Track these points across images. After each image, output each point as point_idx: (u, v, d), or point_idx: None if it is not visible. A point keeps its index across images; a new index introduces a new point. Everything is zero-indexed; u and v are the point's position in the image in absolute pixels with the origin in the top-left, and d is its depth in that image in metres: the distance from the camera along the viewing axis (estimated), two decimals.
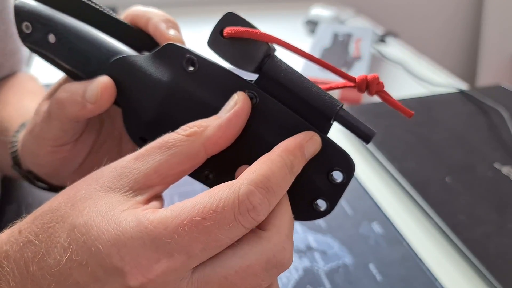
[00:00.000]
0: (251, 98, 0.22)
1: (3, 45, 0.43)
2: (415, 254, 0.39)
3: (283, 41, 0.23)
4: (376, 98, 0.72)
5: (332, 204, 0.23)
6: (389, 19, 1.25)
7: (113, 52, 0.25)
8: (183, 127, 0.22)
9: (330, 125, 0.23)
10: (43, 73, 0.73)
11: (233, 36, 0.22)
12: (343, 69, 0.67)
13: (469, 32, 1.38)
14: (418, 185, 0.46)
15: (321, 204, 0.24)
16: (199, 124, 0.22)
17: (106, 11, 0.27)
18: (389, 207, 0.45)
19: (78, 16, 0.27)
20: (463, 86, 0.70)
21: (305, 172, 0.22)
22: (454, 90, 0.67)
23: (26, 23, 0.26)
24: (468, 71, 1.43)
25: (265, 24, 0.97)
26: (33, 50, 0.28)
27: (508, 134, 0.55)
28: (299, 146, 0.21)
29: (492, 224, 0.42)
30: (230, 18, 0.23)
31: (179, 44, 0.24)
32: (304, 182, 0.23)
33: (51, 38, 0.26)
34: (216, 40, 0.22)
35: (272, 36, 0.22)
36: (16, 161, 0.33)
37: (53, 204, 0.21)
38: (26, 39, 0.27)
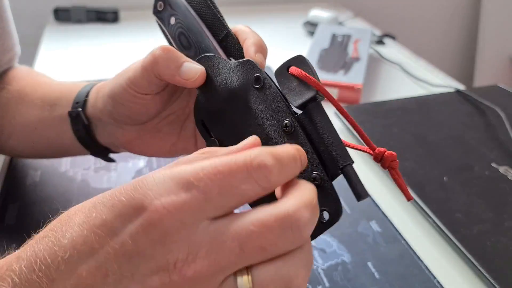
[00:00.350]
0: (288, 126, 0.27)
1: (1, 42, 0.44)
2: (413, 252, 0.40)
3: (329, 94, 0.27)
4: (374, 98, 0.72)
5: (312, 237, 0.25)
6: (387, 22, 1.25)
7: (208, 48, 0.33)
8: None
9: (338, 174, 0.26)
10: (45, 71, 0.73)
11: (294, 75, 0.27)
12: (342, 71, 0.68)
13: (466, 33, 1.39)
14: (416, 184, 0.47)
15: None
16: None
17: (220, 16, 0.34)
18: (387, 206, 0.46)
19: (199, 10, 0.34)
20: (461, 86, 0.71)
21: None
22: (451, 90, 0.67)
23: (160, 2, 0.35)
24: (465, 72, 1.43)
25: (265, 26, 0.98)
26: (157, 21, 0.36)
27: (506, 134, 0.56)
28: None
29: (489, 222, 0.42)
30: (299, 60, 0.27)
31: (255, 63, 0.29)
32: None
33: (172, 20, 0.34)
34: (282, 72, 0.28)
35: (322, 87, 0.26)
36: (77, 120, 0.38)
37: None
38: (156, 14, 0.36)
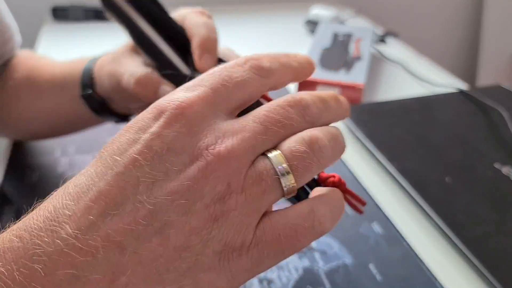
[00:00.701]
0: None
1: (1, 34, 0.45)
2: (415, 254, 0.39)
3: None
4: (376, 98, 0.71)
5: None
6: (389, 19, 1.25)
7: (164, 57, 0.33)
8: None
9: None
10: None
11: None
12: (343, 70, 0.67)
13: (469, 32, 1.38)
14: (418, 185, 0.46)
15: None
16: None
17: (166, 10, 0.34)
18: (389, 207, 0.45)
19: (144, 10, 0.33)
20: (463, 86, 0.70)
21: None
22: (454, 90, 0.67)
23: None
24: (468, 71, 1.43)
25: (266, 25, 0.97)
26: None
27: (508, 134, 0.55)
28: None
29: (492, 223, 0.41)
30: None
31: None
32: None
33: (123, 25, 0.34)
34: None
35: None
36: (90, 100, 0.40)
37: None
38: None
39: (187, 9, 0.36)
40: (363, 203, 0.26)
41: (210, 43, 0.33)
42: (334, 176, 0.24)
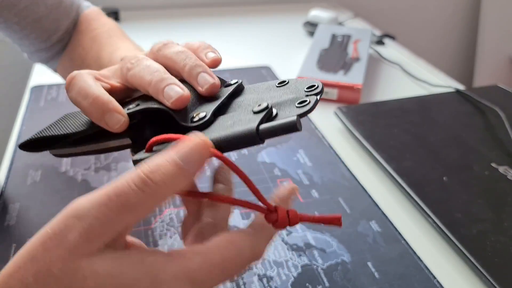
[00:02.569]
0: None
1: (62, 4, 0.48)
2: (413, 252, 0.40)
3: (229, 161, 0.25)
4: (374, 98, 0.72)
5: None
6: (387, 22, 1.25)
7: None
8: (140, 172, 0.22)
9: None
10: (45, 71, 0.73)
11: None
12: (342, 71, 0.68)
13: (466, 34, 1.39)
14: (416, 184, 0.47)
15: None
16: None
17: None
18: (387, 206, 0.46)
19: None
20: (461, 87, 0.71)
21: None
22: (451, 90, 0.67)
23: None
24: (465, 73, 1.43)
25: (265, 26, 0.98)
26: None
27: (505, 134, 0.56)
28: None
29: (488, 222, 0.42)
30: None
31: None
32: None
33: None
34: None
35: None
36: None
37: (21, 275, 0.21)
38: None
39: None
40: (337, 222, 0.27)
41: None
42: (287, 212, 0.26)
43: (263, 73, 0.72)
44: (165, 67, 0.31)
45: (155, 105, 0.28)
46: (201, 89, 0.30)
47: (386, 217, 0.44)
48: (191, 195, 0.26)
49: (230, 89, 0.31)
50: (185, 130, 0.27)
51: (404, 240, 0.41)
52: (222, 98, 0.29)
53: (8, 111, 0.98)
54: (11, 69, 1.01)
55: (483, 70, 1.35)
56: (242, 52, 0.83)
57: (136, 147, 0.29)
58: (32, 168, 0.49)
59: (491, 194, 0.46)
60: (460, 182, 0.47)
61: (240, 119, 0.26)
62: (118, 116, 0.28)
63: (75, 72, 0.30)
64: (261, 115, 0.25)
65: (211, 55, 0.32)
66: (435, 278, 0.37)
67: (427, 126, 0.58)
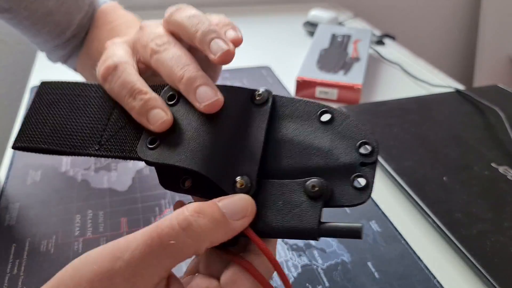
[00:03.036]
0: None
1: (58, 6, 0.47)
2: (413, 252, 0.40)
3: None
4: (374, 98, 0.72)
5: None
6: (387, 22, 1.25)
7: None
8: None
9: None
10: (46, 71, 0.73)
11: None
12: (342, 71, 0.68)
13: (466, 34, 1.39)
14: (416, 184, 0.47)
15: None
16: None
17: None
18: (387, 206, 0.46)
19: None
20: (461, 87, 0.71)
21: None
22: (451, 90, 0.67)
23: None
24: (465, 73, 1.43)
25: (265, 26, 0.98)
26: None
27: (505, 133, 0.56)
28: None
29: (488, 222, 0.42)
30: None
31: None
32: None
33: None
34: None
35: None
36: None
37: None
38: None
39: None
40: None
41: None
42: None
43: (263, 73, 0.72)
44: (176, 34, 0.29)
45: (192, 167, 0.24)
46: (213, 56, 0.27)
47: (386, 217, 0.44)
48: (228, 252, 0.24)
49: (265, 116, 0.26)
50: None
51: (404, 240, 0.41)
52: (260, 152, 0.25)
53: (8, 111, 0.98)
54: (11, 69, 1.00)
55: (483, 70, 1.35)
56: (242, 52, 0.83)
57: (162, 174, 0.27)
58: (32, 168, 0.49)
59: (491, 194, 0.46)
60: (460, 182, 0.47)
61: (291, 202, 0.23)
62: (161, 113, 0.26)
63: (117, 61, 0.28)
64: (318, 206, 0.23)
65: (231, 34, 0.29)
66: (435, 278, 0.37)
67: (427, 126, 0.58)
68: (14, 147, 0.29)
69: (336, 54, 0.73)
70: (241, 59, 0.79)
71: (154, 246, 0.20)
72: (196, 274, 0.25)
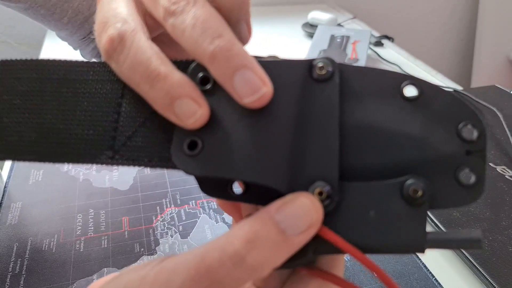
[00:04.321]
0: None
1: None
2: None
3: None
4: None
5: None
6: (385, 23, 1.26)
7: None
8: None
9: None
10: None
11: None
12: None
13: (464, 35, 1.40)
14: None
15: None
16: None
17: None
18: None
19: None
20: (459, 87, 0.71)
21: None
22: (450, 91, 0.68)
23: None
24: (463, 74, 1.44)
25: (264, 28, 0.98)
26: None
27: (503, 133, 0.56)
28: None
29: (486, 221, 0.42)
30: None
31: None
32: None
33: None
34: None
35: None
36: None
37: None
38: None
39: None
40: None
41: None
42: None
43: None
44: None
45: (255, 179, 0.18)
46: (241, 100, 0.18)
47: None
48: (316, 273, 0.19)
49: (334, 96, 0.19)
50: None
51: None
52: (337, 146, 0.19)
53: None
54: None
55: (481, 70, 1.35)
56: None
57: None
58: (34, 168, 0.49)
59: (489, 193, 0.46)
60: None
61: (387, 211, 0.18)
62: (192, 105, 0.19)
63: (121, 29, 0.19)
64: (423, 214, 0.18)
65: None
66: (433, 276, 0.38)
67: None
68: None
69: (335, 55, 0.73)
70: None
71: (203, 284, 0.16)
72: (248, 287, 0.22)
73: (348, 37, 0.79)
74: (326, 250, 0.18)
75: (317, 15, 0.93)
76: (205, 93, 0.19)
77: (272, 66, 0.20)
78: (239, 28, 0.22)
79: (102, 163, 0.20)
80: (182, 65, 0.20)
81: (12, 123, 0.20)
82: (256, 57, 0.19)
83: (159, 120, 0.19)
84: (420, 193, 0.18)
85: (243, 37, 0.23)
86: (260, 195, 0.20)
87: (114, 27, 0.20)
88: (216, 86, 0.19)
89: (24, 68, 0.21)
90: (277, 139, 0.19)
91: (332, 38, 0.79)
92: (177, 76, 0.19)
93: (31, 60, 0.21)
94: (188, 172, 0.19)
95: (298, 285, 0.19)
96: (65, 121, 0.20)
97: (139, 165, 0.20)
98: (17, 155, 0.20)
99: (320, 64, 0.20)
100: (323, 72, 0.19)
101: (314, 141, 0.19)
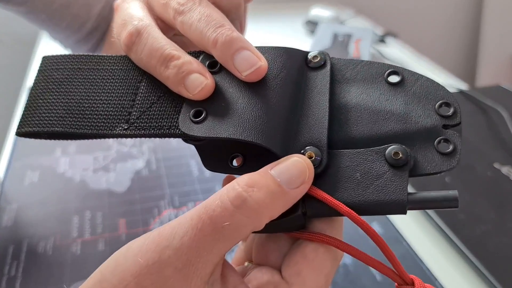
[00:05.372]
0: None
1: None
2: (415, 253, 0.39)
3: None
4: None
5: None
6: (389, 20, 1.25)
7: None
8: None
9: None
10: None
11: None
12: None
13: (468, 32, 1.38)
14: (418, 185, 0.46)
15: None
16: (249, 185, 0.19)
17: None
18: None
19: None
20: (463, 86, 0.70)
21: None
22: (454, 90, 0.67)
23: None
24: (467, 71, 1.43)
25: (266, 25, 0.97)
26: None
27: (508, 134, 0.55)
28: None
29: (491, 223, 0.42)
30: None
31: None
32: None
33: None
34: None
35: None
36: None
37: None
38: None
39: None
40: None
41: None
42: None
43: None
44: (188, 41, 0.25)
45: (251, 138, 0.20)
46: (241, 75, 0.22)
47: (388, 218, 0.43)
48: (313, 237, 0.21)
49: (325, 79, 0.23)
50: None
51: (406, 241, 0.41)
52: (327, 118, 0.22)
53: (5, 111, 0.97)
54: (8, 69, 1.00)
55: (485, 68, 1.34)
56: None
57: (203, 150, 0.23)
58: (30, 169, 0.48)
59: (494, 194, 0.45)
60: (463, 183, 0.47)
61: (371, 172, 0.20)
62: (200, 77, 0.22)
63: (138, 25, 0.24)
64: (404, 175, 0.20)
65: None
66: (436, 279, 0.37)
67: None
68: (19, 133, 0.24)
69: (337, 54, 0.72)
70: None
71: (206, 230, 0.18)
72: (246, 264, 0.23)
73: (350, 36, 0.78)
74: (316, 211, 0.21)
75: (318, 12, 0.92)
76: (212, 73, 0.23)
77: (274, 51, 0.23)
78: (234, 26, 0.25)
79: (117, 136, 0.23)
80: (193, 54, 0.24)
81: (45, 102, 0.24)
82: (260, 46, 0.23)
83: (170, 98, 0.23)
84: (401, 155, 0.20)
85: None
86: (256, 169, 0.22)
87: (132, 24, 0.24)
88: (222, 68, 0.23)
89: (61, 61, 0.25)
90: (274, 110, 0.21)
91: (335, 36, 0.78)
92: (188, 57, 0.23)
93: (68, 55, 0.25)
94: (194, 134, 0.21)
95: (296, 252, 0.21)
96: (89, 101, 0.24)
97: (150, 134, 0.23)
98: (46, 127, 0.23)
99: (314, 54, 0.24)
100: (317, 60, 0.24)
101: (307, 114, 0.22)
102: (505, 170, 0.49)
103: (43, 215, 0.42)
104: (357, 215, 0.20)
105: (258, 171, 0.20)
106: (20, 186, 0.46)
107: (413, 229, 0.43)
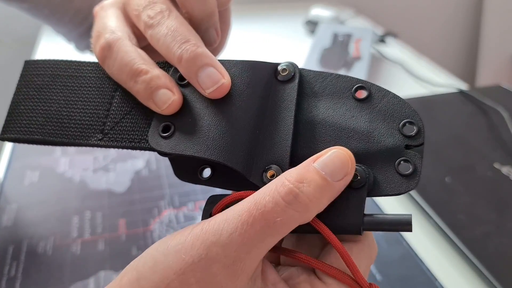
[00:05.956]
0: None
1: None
2: (415, 253, 0.39)
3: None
4: None
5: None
6: (389, 20, 1.25)
7: None
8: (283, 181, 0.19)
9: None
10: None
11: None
12: (343, 70, 0.67)
13: (468, 32, 1.38)
14: (418, 185, 0.46)
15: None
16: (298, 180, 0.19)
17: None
18: (388, 207, 0.45)
19: None
20: (463, 86, 0.70)
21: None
22: (454, 90, 0.67)
23: None
24: (468, 71, 1.43)
25: (266, 25, 0.97)
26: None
27: (508, 134, 0.55)
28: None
29: (491, 223, 0.42)
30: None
31: None
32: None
33: None
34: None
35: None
36: None
37: None
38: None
39: None
40: None
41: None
42: None
43: None
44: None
45: (215, 157, 0.21)
46: (204, 92, 0.23)
47: None
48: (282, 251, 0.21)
49: (292, 95, 0.23)
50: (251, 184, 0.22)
51: (406, 242, 0.41)
52: (290, 137, 0.22)
53: (4, 111, 0.97)
54: (7, 69, 1.00)
55: (485, 68, 1.34)
56: (243, 52, 0.83)
57: (177, 164, 0.24)
58: (29, 169, 0.48)
59: (494, 195, 0.45)
60: (463, 183, 0.47)
61: None
62: (167, 93, 0.23)
63: (109, 39, 0.24)
64: (361, 197, 0.20)
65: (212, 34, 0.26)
66: (437, 280, 0.37)
67: (429, 126, 0.57)
68: (2, 138, 0.25)
69: (337, 53, 0.72)
70: (242, 59, 0.79)
71: (257, 226, 0.17)
72: (280, 266, 0.22)
73: (350, 35, 0.78)
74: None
75: (318, 12, 0.92)
76: (182, 86, 0.24)
77: (242, 66, 0.24)
78: (209, 34, 0.27)
79: (92, 145, 0.24)
80: (165, 65, 0.25)
81: (26, 110, 0.25)
82: (227, 60, 0.24)
83: (141, 110, 0.24)
84: (359, 177, 0.20)
85: (212, 41, 0.27)
86: (224, 181, 0.23)
87: (104, 37, 0.24)
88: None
89: (42, 67, 0.26)
90: (239, 127, 0.22)
91: (335, 36, 0.78)
92: (156, 71, 0.23)
93: (49, 60, 0.26)
94: (160, 149, 0.22)
95: (330, 253, 0.21)
96: (67, 109, 0.24)
97: (122, 146, 0.23)
98: (26, 135, 0.24)
99: (283, 67, 0.24)
100: (285, 73, 0.24)
101: (272, 131, 0.22)
102: (505, 170, 0.49)
103: (43, 215, 0.42)
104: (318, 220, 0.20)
105: (301, 164, 0.20)
106: (20, 186, 0.46)
107: (414, 229, 0.43)
